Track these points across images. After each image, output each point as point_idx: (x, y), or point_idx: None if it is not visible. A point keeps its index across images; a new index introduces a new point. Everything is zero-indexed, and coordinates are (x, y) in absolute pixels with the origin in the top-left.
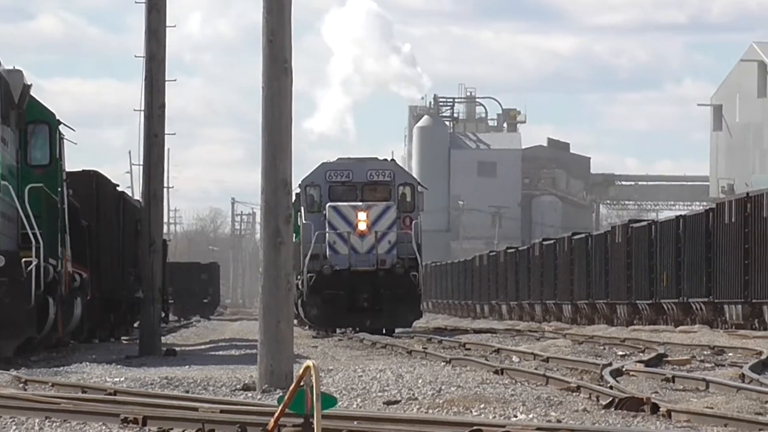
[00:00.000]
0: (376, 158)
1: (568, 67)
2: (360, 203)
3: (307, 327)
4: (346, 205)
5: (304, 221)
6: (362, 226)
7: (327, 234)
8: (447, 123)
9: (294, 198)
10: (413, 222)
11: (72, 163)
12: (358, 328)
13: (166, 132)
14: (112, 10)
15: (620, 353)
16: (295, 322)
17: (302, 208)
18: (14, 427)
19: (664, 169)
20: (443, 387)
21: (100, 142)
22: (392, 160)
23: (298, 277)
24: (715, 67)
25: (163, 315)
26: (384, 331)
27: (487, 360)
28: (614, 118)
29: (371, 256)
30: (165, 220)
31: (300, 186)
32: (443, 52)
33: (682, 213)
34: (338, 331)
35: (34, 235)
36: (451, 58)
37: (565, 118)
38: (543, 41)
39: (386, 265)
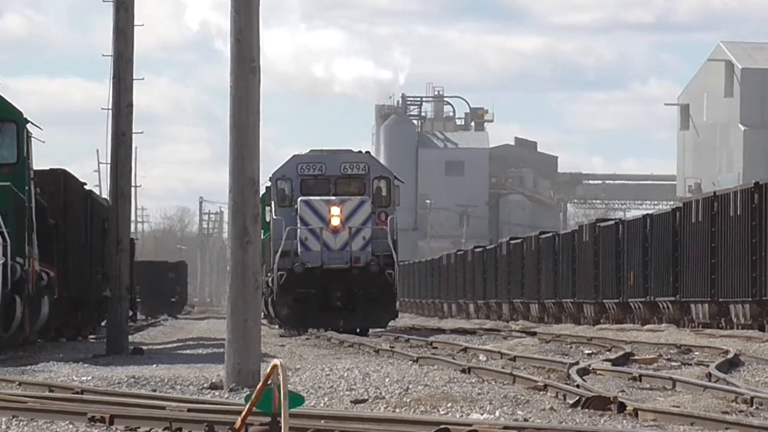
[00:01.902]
0: (350, 150)
1: (534, 66)
2: (333, 197)
3: (277, 326)
4: (318, 200)
5: (274, 216)
6: (335, 222)
7: (298, 230)
8: (415, 122)
9: (264, 192)
10: (389, 217)
11: (39, 162)
12: (330, 328)
13: (133, 131)
14: (78, 9)
15: (587, 352)
16: (265, 321)
17: (273, 203)
18: None
19: (629, 168)
20: (410, 386)
21: (66, 141)
22: (367, 152)
23: (268, 274)
24: (681, 66)
25: (130, 314)
26: (358, 332)
27: (454, 359)
28: (580, 117)
29: (345, 253)
30: (132, 218)
31: (270, 179)
32: (409, 51)
33: (649, 212)
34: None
35: (1, 233)
36: (417, 57)
37: (532, 118)
38: (508, 41)
39: (360, 262)
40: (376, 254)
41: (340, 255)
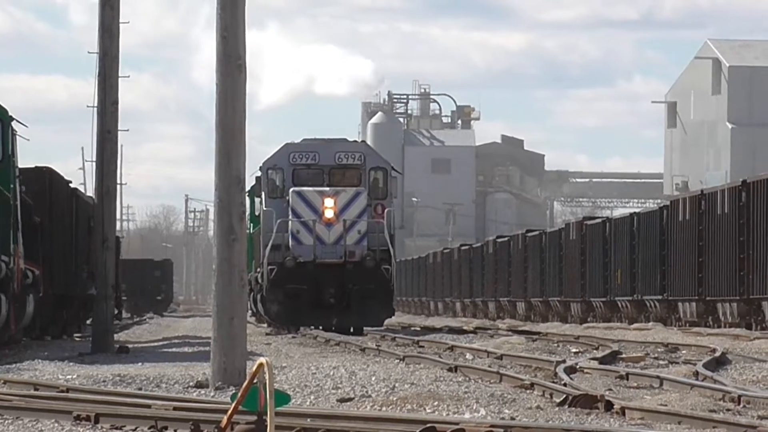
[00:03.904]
0: (345, 139)
1: (519, 63)
2: (327, 188)
3: (265, 325)
4: (311, 191)
5: (264, 208)
6: (329, 214)
7: (290, 222)
8: (401, 120)
9: (254, 182)
10: (386, 210)
11: (22, 160)
12: (322, 327)
13: (119, 129)
14: (60, 6)
15: (574, 350)
16: (253, 319)
17: (263, 194)
18: None
19: (615, 165)
20: (397, 384)
21: (49, 138)
22: (362, 141)
23: (257, 270)
24: (667, 64)
25: (116, 312)
26: (352, 330)
27: (441, 357)
28: (565, 114)
29: (339, 247)
30: (118, 217)
31: (261, 169)
32: (393, 48)
33: (637, 210)
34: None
35: None
36: (401, 54)
37: (517, 115)
38: (492, 37)
39: (355, 257)
40: (372, 248)
41: (334, 249)
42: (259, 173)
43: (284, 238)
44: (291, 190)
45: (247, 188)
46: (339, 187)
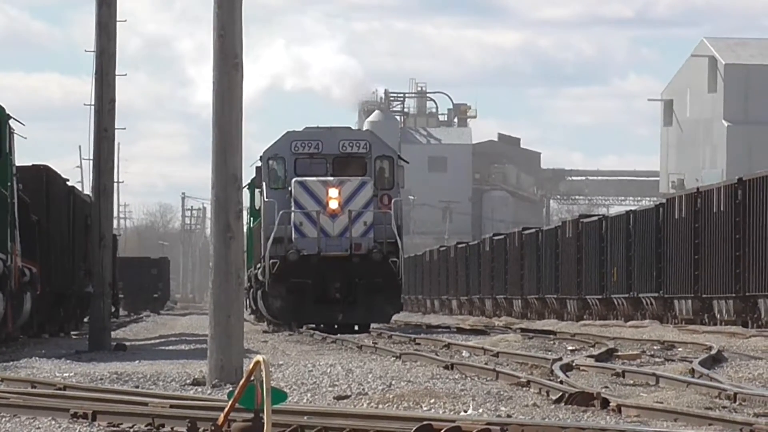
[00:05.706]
0: (349, 127)
1: (513, 61)
2: (331, 178)
3: (266, 323)
4: (314, 181)
5: (266, 199)
6: (333, 205)
7: (293, 214)
8: (398, 118)
9: (255, 173)
10: (393, 200)
11: (20, 158)
12: (324, 324)
13: (116, 127)
14: (55, 4)
15: (570, 348)
16: (252, 317)
17: (264, 184)
18: None
19: (609, 163)
20: (393, 382)
21: (44, 136)
22: (367, 129)
23: (257, 265)
24: (661, 61)
25: (113, 310)
26: (358, 328)
27: (438, 355)
28: (560, 112)
29: (344, 240)
30: (115, 215)
31: (262, 158)
32: (386, 46)
33: (633, 208)
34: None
35: None
36: (394, 52)
37: (512, 113)
38: (486, 36)
39: (361, 249)
40: (379, 241)
41: (339, 241)
42: (259, 163)
43: (287, 231)
44: (293, 180)
45: (246, 181)
46: (343, 176)
